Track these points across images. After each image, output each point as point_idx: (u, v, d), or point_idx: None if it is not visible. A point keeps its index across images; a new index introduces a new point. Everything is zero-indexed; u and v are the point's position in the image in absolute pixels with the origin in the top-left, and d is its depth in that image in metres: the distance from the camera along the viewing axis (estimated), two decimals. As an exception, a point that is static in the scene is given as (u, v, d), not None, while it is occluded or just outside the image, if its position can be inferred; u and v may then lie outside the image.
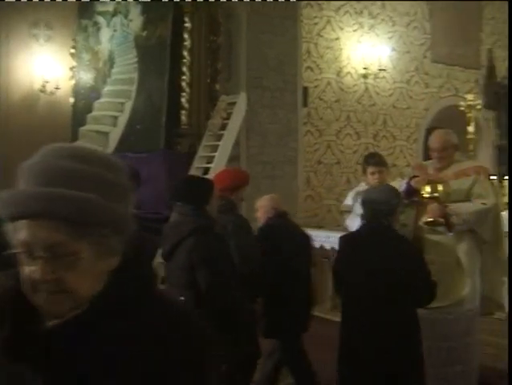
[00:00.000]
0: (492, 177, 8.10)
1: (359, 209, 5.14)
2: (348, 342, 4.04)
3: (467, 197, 4.88)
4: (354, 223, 5.18)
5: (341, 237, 4.45)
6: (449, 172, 5.00)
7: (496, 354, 6.15)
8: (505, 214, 5.22)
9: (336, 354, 4.08)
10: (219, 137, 8.31)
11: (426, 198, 4.75)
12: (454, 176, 4.96)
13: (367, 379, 3.91)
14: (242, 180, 4.97)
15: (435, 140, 5.00)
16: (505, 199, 8.12)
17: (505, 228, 6.32)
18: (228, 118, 8.43)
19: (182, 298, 3.70)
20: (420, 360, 4.00)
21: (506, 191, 8.16)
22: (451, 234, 4.78)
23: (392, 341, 3.85)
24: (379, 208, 4.07)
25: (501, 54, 12.96)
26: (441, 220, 4.76)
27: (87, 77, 9.52)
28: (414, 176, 5.04)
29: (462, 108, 9.04)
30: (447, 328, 4.89)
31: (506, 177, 8.52)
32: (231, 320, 3.89)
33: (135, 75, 8.86)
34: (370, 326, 3.88)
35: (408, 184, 4.96)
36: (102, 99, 9.29)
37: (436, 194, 4.72)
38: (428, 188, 4.76)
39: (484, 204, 4.81)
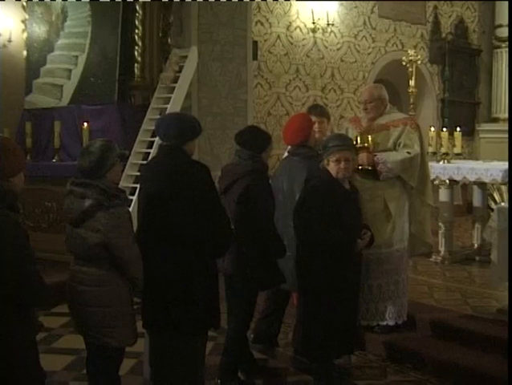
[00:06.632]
0: (432, 128, 8.61)
1: None
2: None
3: (394, 147, 5.32)
4: None
5: None
6: (379, 123, 5.41)
7: (428, 292, 6.71)
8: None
9: None
10: (171, 90, 8.46)
11: (357, 148, 5.16)
12: (384, 127, 5.37)
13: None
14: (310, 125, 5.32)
15: (363, 94, 5.42)
16: (456, 149, 8.55)
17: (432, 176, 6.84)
18: (180, 71, 8.57)
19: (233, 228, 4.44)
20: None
21: (444, 142, 8.53)
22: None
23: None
24: None
25: (447, 10, 13.34)
26: (370, 167, 5.19)
27: (39, 30, 9.54)
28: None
29: (404, 63, 9.37)
30: (379, 266, 5.37)
31: (444, 129, 8.89)
32: (272, 248, 4.64)
33: (88, 29, 8.93)
34: None
35: None
36: (55, 52, 9.36)
37: (365, 144, 5.14)
38: (358, 139, 5.17)
39: (408, 152, 5.25)
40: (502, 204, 7.01)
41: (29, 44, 9.65)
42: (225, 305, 4.97)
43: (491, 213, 6.16)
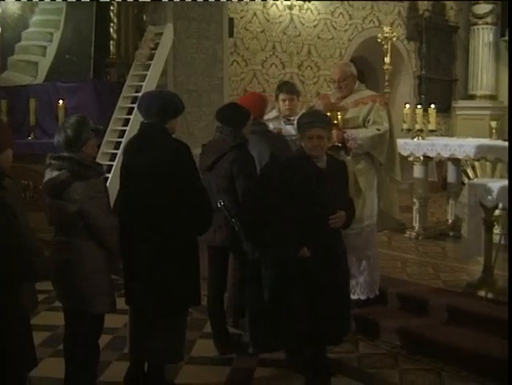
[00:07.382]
0: (407, 105, 8.66)
1: None
2: None
3: (363, 124, 5.38)
4: None
5: None
6: (348, 100, 5.47)
7: (401, 266, 6.82)
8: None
9: None
10: (147, 67, 8.45)
11: None
12: (353, 104, 5.44)
13: None
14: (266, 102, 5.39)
15: (335, 72, 5.46)
16: (431, 126, 8.55)
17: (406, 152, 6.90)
18: (155, 48, 8.55)
19: (221, 202, 4.62)
20: None
21: (418, 119, 8.56)
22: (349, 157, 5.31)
23: None
24: None
25: (424, -13, 13.34)
26: (339, 144, 5.26)
27: (13, 6, 9.45)
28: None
29: (379, 40, 9.39)
30: (350, 242, 5.43)
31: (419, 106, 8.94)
32: (261, 219, 4.56)
33: (62, 5, 8.90)
34: None
35: None
36: (30, 29, 9.30)
37: (335, 121, 5.20)
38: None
39: (378, 129, 5.32)
40: (475, 180, 7.12)
41: (2, 20, 9.52)
42: (207, 282, 5.08)
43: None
